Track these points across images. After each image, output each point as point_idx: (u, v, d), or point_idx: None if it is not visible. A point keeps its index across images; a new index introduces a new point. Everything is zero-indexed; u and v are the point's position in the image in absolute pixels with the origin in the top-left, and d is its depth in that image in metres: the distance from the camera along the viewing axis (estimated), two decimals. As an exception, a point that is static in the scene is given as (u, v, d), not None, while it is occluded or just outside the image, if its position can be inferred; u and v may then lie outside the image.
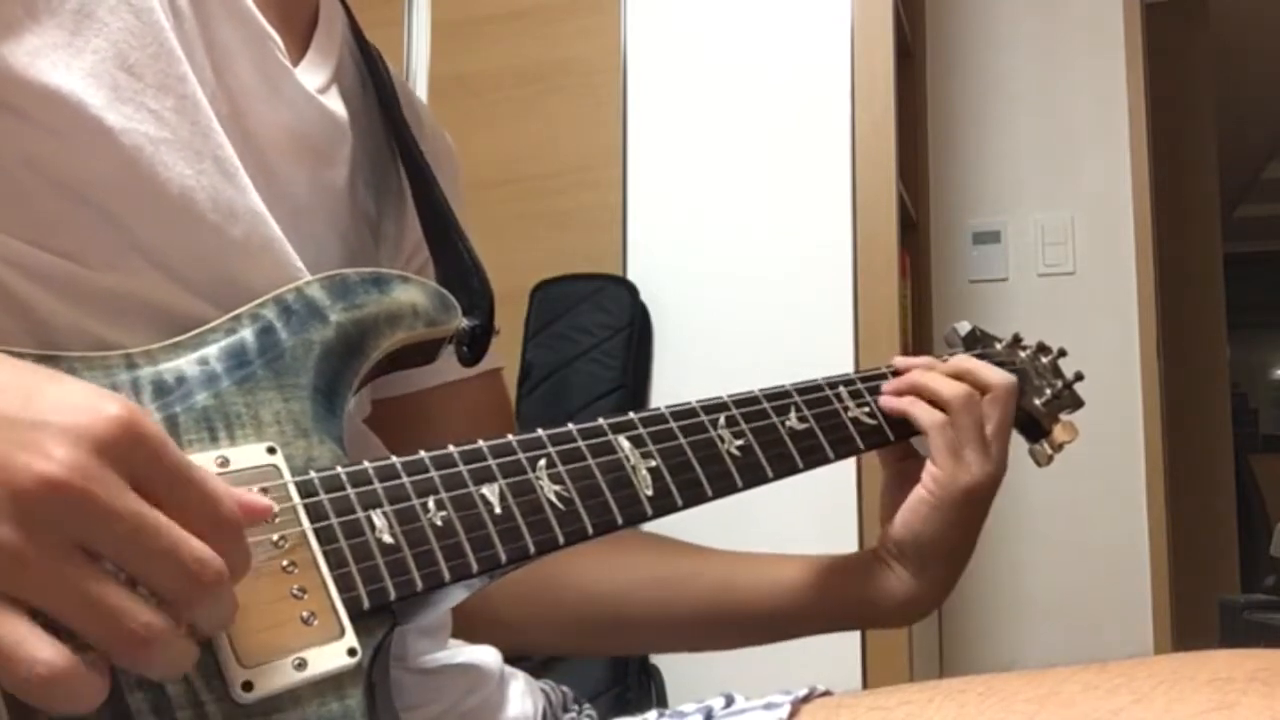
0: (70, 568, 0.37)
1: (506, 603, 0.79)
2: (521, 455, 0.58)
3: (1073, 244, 2.35)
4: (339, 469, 0.52)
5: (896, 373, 0.78)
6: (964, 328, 0.90)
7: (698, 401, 0.68)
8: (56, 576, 0.37)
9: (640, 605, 0.80)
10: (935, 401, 0.74)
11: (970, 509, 0.74)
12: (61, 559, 0.37)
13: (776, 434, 0.70)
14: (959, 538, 0.75)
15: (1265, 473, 4.19)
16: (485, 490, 0.55)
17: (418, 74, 2.04)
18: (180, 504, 0.40)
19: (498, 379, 0.84)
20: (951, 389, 0.74)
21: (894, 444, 0.76)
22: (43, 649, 0.36)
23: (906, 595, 0.76)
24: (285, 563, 0.48)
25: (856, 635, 1.67)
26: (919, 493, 0.74)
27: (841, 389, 0.75)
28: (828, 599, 0.78)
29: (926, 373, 0.76)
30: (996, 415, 0.75)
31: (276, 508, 0.49)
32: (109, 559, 0.38)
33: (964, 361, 0.78)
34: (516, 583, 0.68)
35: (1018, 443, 0.90)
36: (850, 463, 1.55)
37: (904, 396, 0.75)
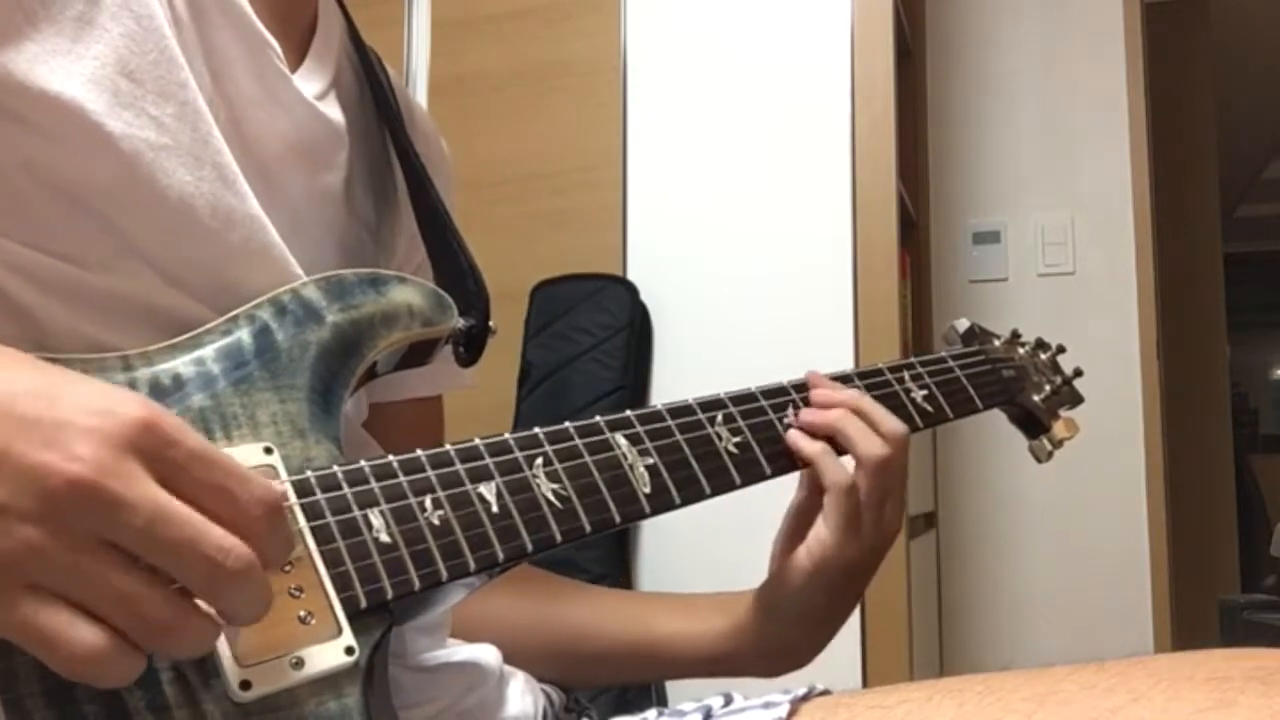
0: (91, 561, 0.39)
1: None
2: (518, 454, 0.58)
3: (1073, 244, 2.35)
4: (335, 468, 0.52)
5: (801, 388, 0.73)
6: (962, 325, 0.90)
7: (695, 399, 0.68)
8: (79, 570, 0.38)
9: (506, 645, 0.78)
10: (853, 452, 0.70)
11: (850, 581, 0.71)
12: (84, 553, 0.38)
13: (774, 431, 0.70)
14: (829, 604, 0.72)
15: (1265, 473, 4.19)
16: (482, 489, 0.55)
17: (418, 74, 2.04)
18: (207, 490, 0.41)
19: (438, 405, 0.83)
20: (869, 447, 0.69)
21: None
22: (82, 632, 0.38)
23: (774, 651, 0.75)
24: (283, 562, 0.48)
25: (856, 635, 1.67)
26: (799, 556, 0.71)
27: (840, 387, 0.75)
28: (695, 648, 0.77)
29: (848, 417, 0.70)
30: (898, 479, 0.71)
31: (289, 486, 0.50)
32: (133, 551, 0.40)
33: (861, 400, 0.72)
34: None
35: (1018, 439, 0.90)
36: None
37: (816, 442, 0.70)
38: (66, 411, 0.39)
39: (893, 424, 0.72)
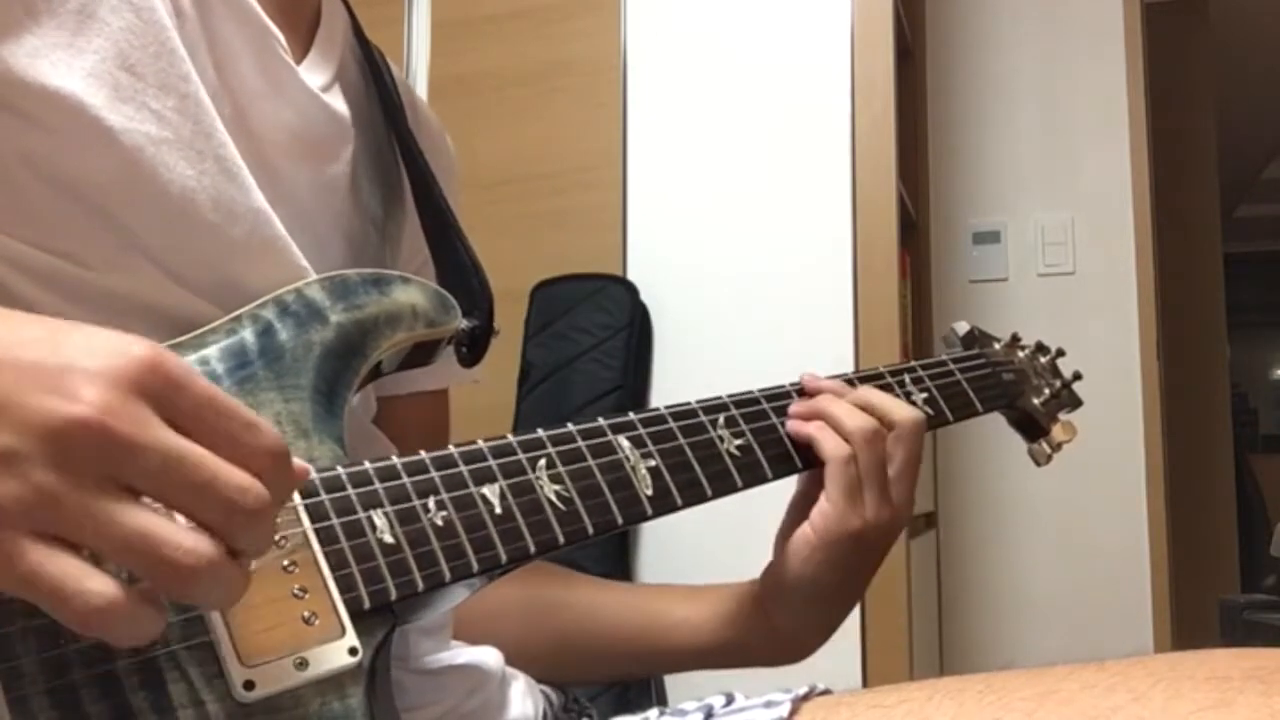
0: (106, 502, 0.37)
1: None
2: (521, 455, 0.58)
3: (1073, 244, 2.35)
4: (339, 469, 0.52)
5: (802, 392, 0.74)
6: (962, 328, 0.90)
7: (697, 401, 0.68)
8: (93, 512, 0.37)
9: (507, 632, 0.78)
10: (839, 430, 0.70)
11: (857, 555, 0.70)
12: (97, 497, 0.37)
13: (776, 434, 0.70)
14: (839, 582, 0.71)
15: (1265, 473, 4.19)
16: (486, 490, 0.56)
17: (418, 74, 2.04)
18: (216, 436, 0.40)
19: (443, 400, 0.83)
20: (856, 421, 0.70)
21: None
22: (93, 581, 0.37)
23: (779, 639, 0.74)
24: (286, 563, 0.48)
25: (856, 635, 1.67)
26: (804, 531, 0.70)
27: None
28: (699, 637, 0.76)
29: (834, 400, 0.72)
30: (900, 455, 0.71)
31: (312, 469, 0.49)
32: (148, 494, 0.39)
33: (869, 394, 0.74)
34: None
35: (1018, 439, 0.90)
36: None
37: (811, 421, 0.71)
38: (71, 356, 0.39)
39: (880, 400, 0.73)
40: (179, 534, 0.38)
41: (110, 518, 0.37)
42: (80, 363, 0.38)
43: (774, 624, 0.74)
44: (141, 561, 0.38)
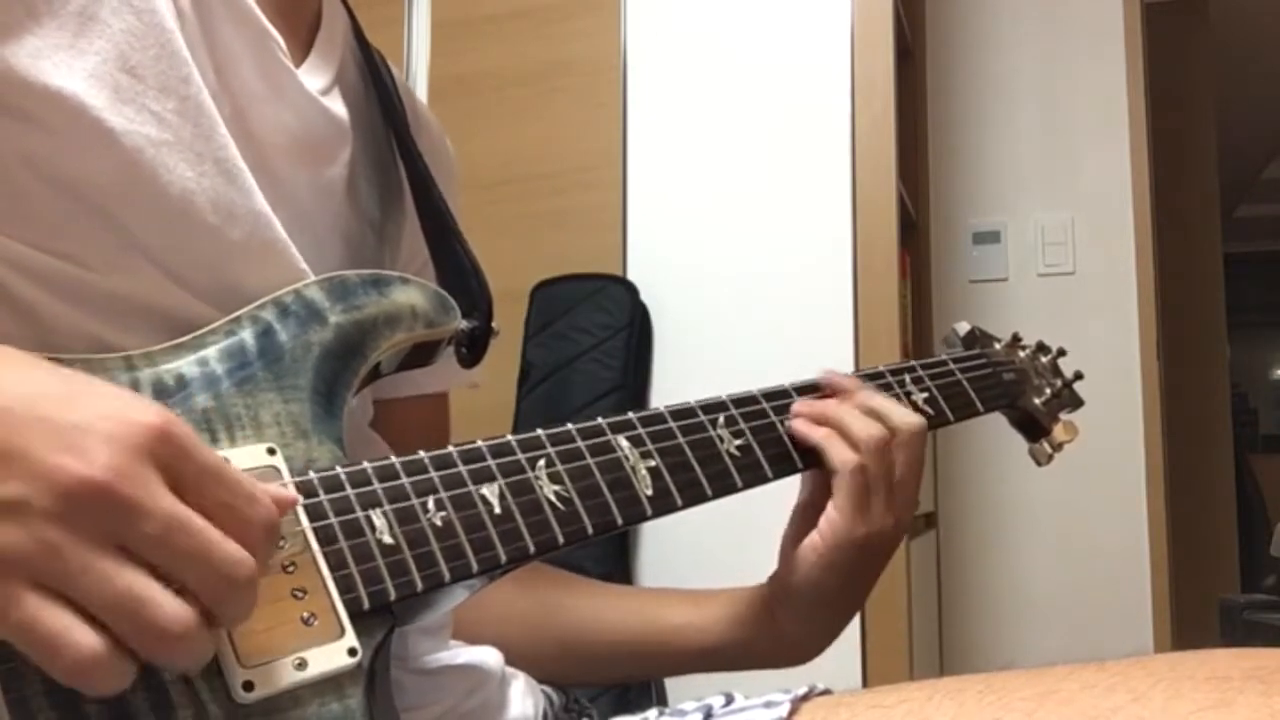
0: (104, 563, 0.39)
1: None
2: (521, 455, 0.58)
3: (1073, 244, 2.35)
4: (338, 469, 0.52)
5: (802, 391, 0.73)
6: (963, 328, 0.90)
7: (697, 401, 0.68)
8: (90, 571, 0.38)
9: (509, 637, 0.78)
10: (848, 439, 0.70)
11: (863, 561, 0.71)
12: (97, 555, 0.39)
13: (776, 434, 0.70)
14: (842, 588, 0.72)
15: (1265, 473, 4.19)
16: (485, 490, 0.55)
17: (418, 74, 2.04)
18: (216, 505, 0.42)
19: (443, 403, 0.83)
20: (866, 429, 0.70)
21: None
22: (85, 636, 0.38)
23: (785, 642, 0.75)
24: (285, 563, 0.48)
25: (856, 635, 1.67)
26: (812, 539, 0.71)
27: None
28: (704, 639, 0.77)
29: (841, 407, 0.72)
30: (903, 461, 0.72)
31: (301, 499, 0.50)
32: (145, 557, 0.40)
33: (873, 399, 0.73)
34: None
35: (1018, 439, 0.90)
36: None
37: (819, 428, 0.71)
38: (85, 415, 0.40)
39: (883, 405, 0.73)
40: (165, 599, 0.40)
41: (105, 575, 0.39)
42: (95, 424, 0.40)
43: (780, 628, 0.75)
44: (127, 621, 0.39)
